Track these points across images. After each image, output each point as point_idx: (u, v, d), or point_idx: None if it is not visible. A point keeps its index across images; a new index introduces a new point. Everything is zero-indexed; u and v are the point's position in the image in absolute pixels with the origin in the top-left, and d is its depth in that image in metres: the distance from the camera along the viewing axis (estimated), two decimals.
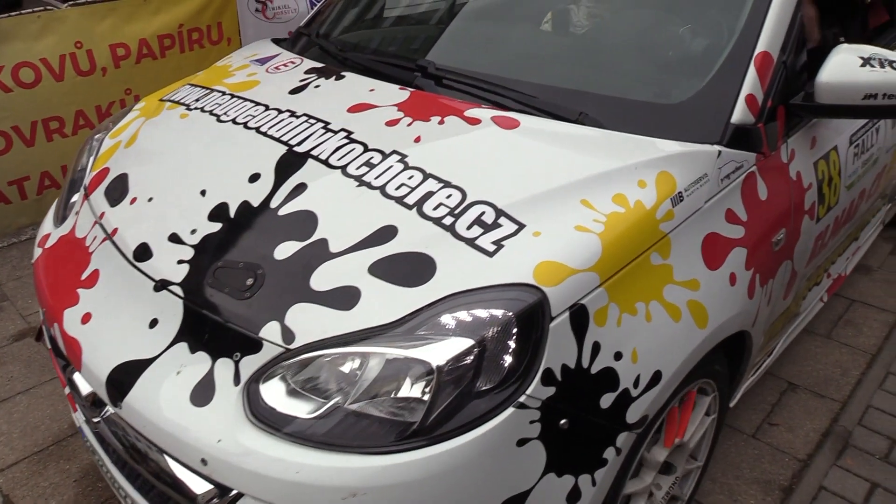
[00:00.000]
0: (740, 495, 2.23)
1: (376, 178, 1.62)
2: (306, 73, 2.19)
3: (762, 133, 1.79)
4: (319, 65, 2.25)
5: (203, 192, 1.75)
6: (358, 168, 1.66)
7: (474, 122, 1.76)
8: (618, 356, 1.41)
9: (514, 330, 1.30)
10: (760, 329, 1.93)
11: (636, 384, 1.44)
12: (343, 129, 1.81)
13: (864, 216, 2.75)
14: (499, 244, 1.41)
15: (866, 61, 1.80)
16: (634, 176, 1.57)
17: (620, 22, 2.28)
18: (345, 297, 1.40)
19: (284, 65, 2.31)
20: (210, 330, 1.48)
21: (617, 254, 1.44)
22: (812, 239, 2.09)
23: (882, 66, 1.79)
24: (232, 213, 1.66)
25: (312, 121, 1.88)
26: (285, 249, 1.52)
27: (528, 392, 1.29)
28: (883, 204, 3.04)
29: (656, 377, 1.47)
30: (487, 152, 1.67)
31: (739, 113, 1.74)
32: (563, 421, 1.34)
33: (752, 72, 1.78)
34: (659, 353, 1.48)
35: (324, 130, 1.82)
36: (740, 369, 2.02)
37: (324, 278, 1.44)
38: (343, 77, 2.11)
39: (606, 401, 1.40)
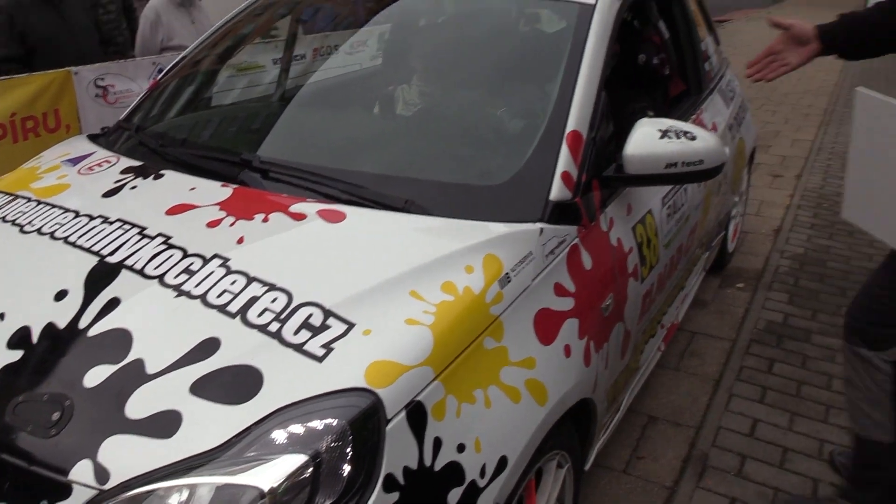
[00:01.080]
0: None
1: (196, 286, 1.53)
2: (122, 172, 2.06)
3: (580, 206, 1.88)
4: (137, 163, 2.12)
5: (1, 316, 1.58)
6: (176, 276, 1.57)
7: (300, 217, 1.72)
8: (461, 448, 1.39)
9: (350, 438, 1.25)
10: (602, 392, 1.99)
11: (482, 474, 1.42)
12: (160, 234, 1.70)
13: (687, 267, 2.96)
14: (328, 347, 1.37)
15: (664, 133, 1.94)
16: (461, 262, 1.58)
17: (441, 106, 2.35)
18: (165, 424, 1.29)
19: (99, 164, 2.17)
20: (11, 477, 1.31)
21: (450, 344, 1.43)
22: (640, 298, 2.21)
23: (678, 136, 1.95)
24: (35, 339, 1.51)
25: (127, 226, 1.76)
26: (96, 375, 1.39)
27: (370, 503, 1.24)
28: (702, 253, 3.30)
29: (502, 463, 1.46)
30: (314, 249, 1.63)
31: (557, 190, 1.82)
32: None
33: (564, 150, 1.88)
34: (502, 437, 1.48)
35: (139, 237, 1.71)
36: (590, 433, 2.07)
37: (140, 404, 1.32)
38: (162, 175, 2.01)
39: (454, 497, 1.37)
